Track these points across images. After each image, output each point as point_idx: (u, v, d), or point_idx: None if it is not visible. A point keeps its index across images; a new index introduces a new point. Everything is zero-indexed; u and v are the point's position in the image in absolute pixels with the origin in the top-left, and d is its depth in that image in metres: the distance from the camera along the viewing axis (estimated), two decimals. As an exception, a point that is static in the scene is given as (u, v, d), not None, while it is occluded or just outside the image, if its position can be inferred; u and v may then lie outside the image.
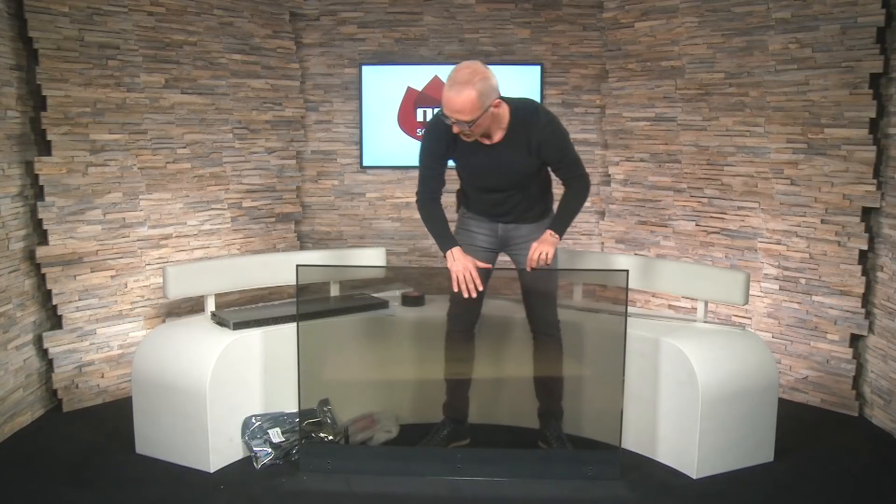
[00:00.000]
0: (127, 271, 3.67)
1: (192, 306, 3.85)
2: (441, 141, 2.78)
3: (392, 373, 3.35)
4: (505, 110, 2.71)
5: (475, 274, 2.73)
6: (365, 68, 4.47)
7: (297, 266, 2.90)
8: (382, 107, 4.49)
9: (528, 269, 2.77)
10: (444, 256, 2.79)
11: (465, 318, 3.04)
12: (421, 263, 4.55)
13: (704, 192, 4.03)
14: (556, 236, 2.80)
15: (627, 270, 2.89)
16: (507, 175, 2.84)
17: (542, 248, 2.74)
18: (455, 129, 2.65)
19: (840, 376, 3.56)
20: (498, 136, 2.75)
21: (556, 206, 3.00)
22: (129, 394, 3.21)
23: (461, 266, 2.73)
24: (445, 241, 2.81)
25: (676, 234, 4.16)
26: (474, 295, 2.74)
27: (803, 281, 3.66)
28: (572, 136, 4.50)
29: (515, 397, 3.24)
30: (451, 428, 3.10)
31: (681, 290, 3.37)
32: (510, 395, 3.27)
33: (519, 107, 2.75)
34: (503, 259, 3.10)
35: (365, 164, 4.57)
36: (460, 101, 2.55)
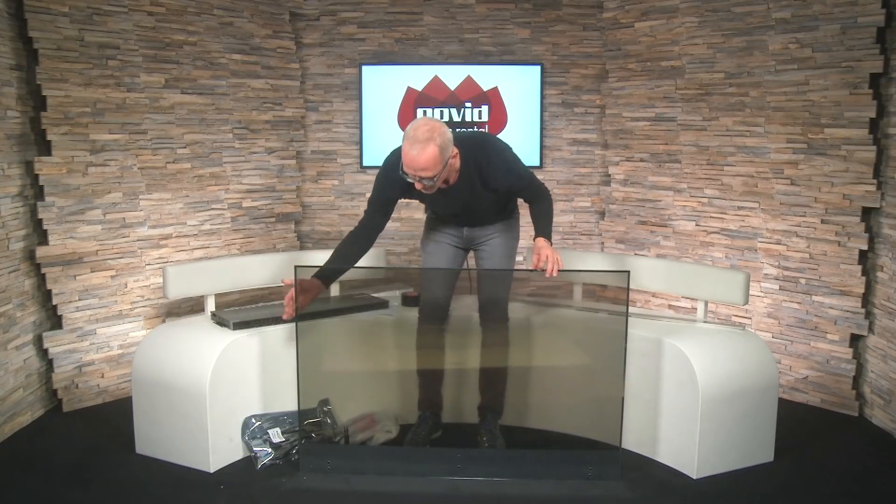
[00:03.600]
0: (127, 271, 3.67)
1: (192, 306, 3.85)
2: (395, 185, 2.83)
3: (392, 373, 3.36)
4: (456, 159, 2.77)
5: (287, 299, 2.84)
6: (365, 68, 4.47)
7: (296, 267, 2.90)
8: (382, 107, 4.49)
9: (548, 276, 2.75)
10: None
11: (436, 315, 3.10)
12: (421, 264, 4.55)
13: (704, 192, 4.03)
14: (549, 240, 2.86)
15: (629, 271, 2.90)
16: (466, 208, 2.94)
17: (551, 255, 2.74)
18: (418, 186, 2.69)
19: (840, 376, 3.56)
20: (453, 179, 2.82)
21: (517, 203, 3.13)
22: (129, 394, 3.21)
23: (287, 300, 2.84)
24: (319, 270, 2.88)
25: (676, 234, 4.16)
26: (285, 317, 2.87)
27: (803, 281, 3.66)
28: (572, 135, 4.56)
29: (513, 397, 3.24)
30: (431, 423, 3.15)
31: (681, 290, 3.37)
32: (507, 396, 3.27)
33: (468, 147, 2.80)
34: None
35: (365, 164, 4.57)
36: (423, 158, 2.60)
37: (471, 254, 3.21)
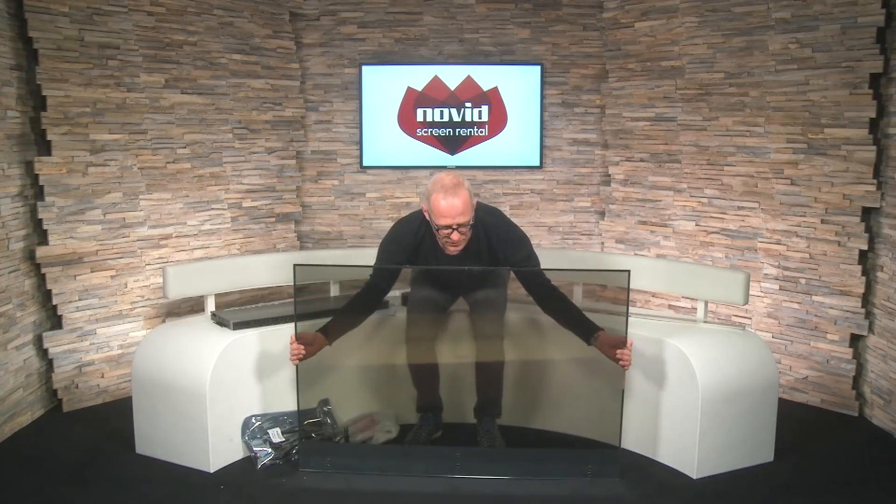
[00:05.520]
0: (127, 271, 3.67)
1: (192, 306, 3.85)
2: (401, 250, 2.88)
3: (392, 373, 3.35)
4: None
5: (294, 348, 2.78)
6: (365, 68, 4.47)
7: (295, 266, 2.90)
8: (382, 107, 4.49)
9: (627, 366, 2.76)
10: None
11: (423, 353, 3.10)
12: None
13: (704, 192, 4.03)
14: (599, 332, 2.78)
15: (629, 271, 2.90)
16: (467, 280, 2.96)
17: (623, 351, 2.71)
18: (454, 238, 2.72)
19: (840, 376, 3.56)
20: (461, 245, 2.82)
21: None
22: (129, 394, 3.20)
23: (292, 349, 2.79)
24: (323, 326, 2.86)
25: (676, 234, 4.16)
26: (294, 363, 2.82)
27: (803, 281, 3.66)
28: (572, 135, 4.56)
29: (512, 398, 3.24)
30: (432, 423, 3.16)
31: (681, 290, 3.38)
32: (506, 396, 3.27)
33: (481, 214, 2.85)
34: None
35: (365, 164, 4.57)
36: (461, 202, 2.69)
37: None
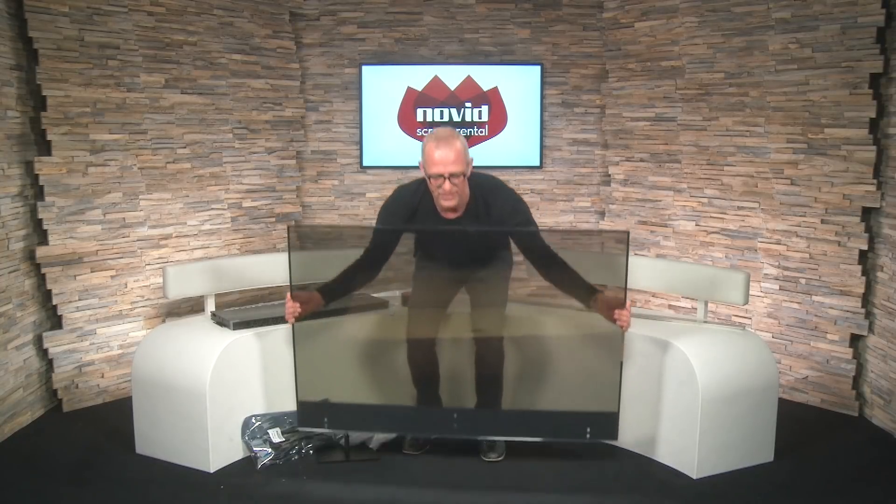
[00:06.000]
0: (127, 271, 3.67)
1: (192, 306, 3.85)
2: (400, 214, 2.89)
3: (392, 373, 3.35)
4: (466, 184, 2.82)
5: (290, 306, 2.82)
6: (365, 68, 4.47)
7: (289, 226, 2.93)
8: (382, 107, 4.49)
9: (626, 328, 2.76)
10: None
11: (422, 349, 3.07)
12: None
13: (704, 192, 4.03)
14: (598, 294, 2.79)
15: (628, 231, 2.87)
16: (467, 247, 2.91)
17: (622, 312, 2.71)
18: (446, 187, 2.73)
19: (840, 376, 3.56)
20: (460, 210, 2.84)
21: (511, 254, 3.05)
22: (129, 394, 3.20)
23: (288, 307, 2.83)
24: (321, 285, 2.90)
25: (676, 234, 4.16)
26: (290, 321, 2.85)
27: (803, 281, 3.66)
28: (572, 135, 4.56)
29: (512, 377, 3.18)
30: None
31: (681, 290, 3.37)
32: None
33: (479, 180, 2.87)
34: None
35: (365, 164, 4.57)
36: (453, 151, 2.71)
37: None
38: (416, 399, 3.18)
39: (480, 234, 2.87)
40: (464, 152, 2.74)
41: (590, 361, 3.11)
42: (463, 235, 2.87)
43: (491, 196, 2.87)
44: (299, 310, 2.82)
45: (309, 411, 2.96)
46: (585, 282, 2.81)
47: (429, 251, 3.06)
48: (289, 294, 2.84)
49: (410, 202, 2.90)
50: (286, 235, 2.89)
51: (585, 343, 3.16)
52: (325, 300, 2.90)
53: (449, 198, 2.75)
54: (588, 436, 2.85)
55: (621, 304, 2.72)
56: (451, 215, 2.84)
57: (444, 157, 2.70)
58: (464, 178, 2.75)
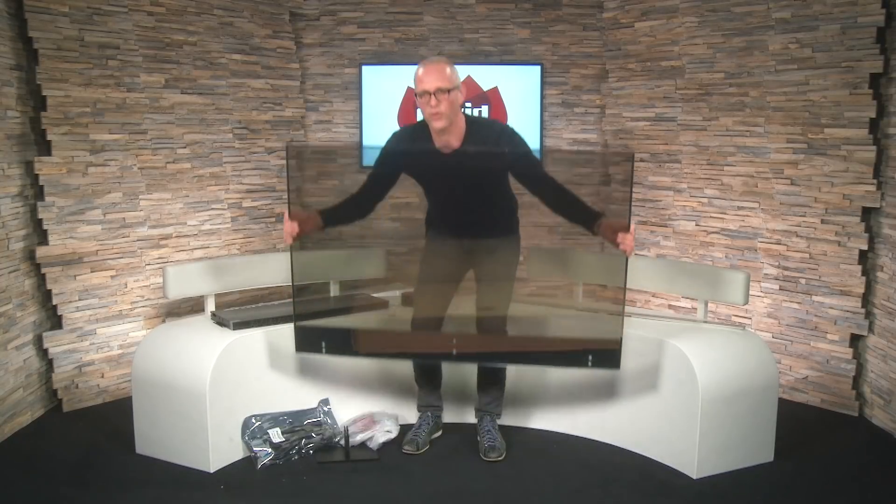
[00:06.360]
0: (127, 271, 3.67)
1: (192, 306, 3.85)
2: (397, 150, 2.91)
3: (392, 373, 3.35)
4: (461, 118, 2.83)
5: (288, 226, 2.83)
6: (365, 68, 4.47)
7: (287, 144, 2.94)
8: (382, 107, 4.49)
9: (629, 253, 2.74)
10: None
11: (429, 325, 3.07)
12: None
13: (704, 192, 4.03)
14: (601, 219, 2.78)
15: (633, 153, 2.87)
16: (469, 183, 2.89)
17: (626, 235, 2.70)
18: (432, 103, 2.73)
19: (840, 376, 3.56)
20: (456, 143, 2.83)
21: (518, 219, 3.06)
22: (129, 394, 3.20)
23: (286, 227, 2.84)
24: (323, 209, 2.96)
25: (676, 234, 4.17)
26: (288, 242, 2.86)
27: (803, 281, 3.66)
28: (573, 136, 4.55)
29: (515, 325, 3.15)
30: (431, 423, 3.16)
31: (681, 290, 3.37)
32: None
33: (477, 118, 2.91)
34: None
35: (365, 164, 4.57)
36: (437, 67, 2.75)
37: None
38: (417, 397, 3.18)
39: (479, 167, 2.86)
40: (450, 72, 2.77)
41: (593, 289, 3.05)
42: (460, 168, 2.85)
43: (487, 129, 2.89)
44: (297, 229, 2.82)
45: (306, 336, 2.94)
46: (589, 207, 2.82)
47: (429, 186, 3.04)
48: (286, 213, 2.84)
49: (410, 136, 2.92)
50: (284, 154, 2.89)
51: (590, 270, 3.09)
52: (323, 223, 2.92)
53: (438, 117, 2.76)
54: (590, 364, 2.80)
55: (625, 228, 2.69)
56: (448, 150, 2.83)
57: (429, 73, 2.75)
58: (449, 95, 2.74)
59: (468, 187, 2.90)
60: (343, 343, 2.97)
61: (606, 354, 2.82)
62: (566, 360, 2.88)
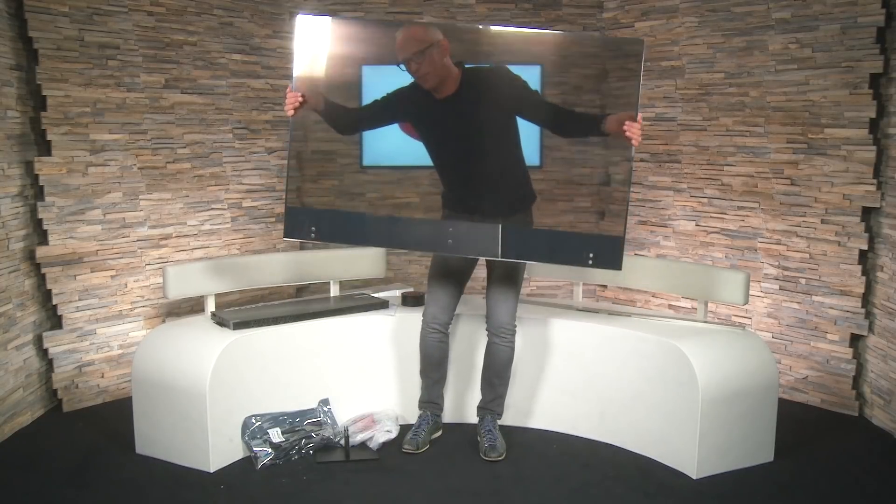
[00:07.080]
0: (127, 271, 3.67)
1: (192, 306, 3.85)
2: (399, 93, 2.93)
3: (392, 373, 3.36)
4: (454, 69, 2.85)
5: (291, 96, 2.90)
6: (365, 68, 4.46)
7: (297, 17, 2.99)
8: (382, 107, 4.48)
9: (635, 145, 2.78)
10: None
11: (440, 319, 3.08)
12: (421, 263, 4.55)
13: (704, 192, 4.03)
14: (607, 116, 2.82)
15: (643, 40, 2.84)
16: (469, 129, 2.89)
17: (632, 124, 2.73)
18: (413, 69, 2.78)
19: (840, 376, 3.56)
20: (451, 88, 2.85)
21: (533, 190, 3.13)
22: (129, 394, 3.20)
23: (289, 97, 2.90)
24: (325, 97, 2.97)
25: (676, 234, 4.17)
26: (290, 113, 2.89)
27: (803, 281, 3.66)
28: (572, 136, 4.54)
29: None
30: (431, 423, 3.15)
31: (681, 290, 3.38)
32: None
33: (473, 67, 2.92)
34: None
35: (365, 163, 4.56)
36: (406, 35, 2.79)
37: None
38: (420, 393, 3.18)
39: (475, 111, 2.88)
40: (422, 32, 2.80)
41: (596, 183, 3.04)
42: (455, 113, 2.87)
43: (484, 72, 2.93)
44: (300, 99, 2.87)
45: (296, 220, 2.93)
46: (593, 114, 2.89)
47: (427, 135, 3.05)
48: (289, 86, 2.88)
49: (407, 88, 2.92)
50: (293, 26, 3.00)
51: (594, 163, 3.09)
52: (323, 106, 2.98)
53: (424, 79, 2.80)
54: (590, 262, 2.76)
55: (632, 118, 2.72)
56: (441, 95, 2.85)
57: (400, 44, 2.79)
58: (425, 55, 2.76)
59: (464, 137, 2.91)
60: (334, 228, 2.96)
61: (607, 253, 2.75)
62: (566, 256, 2.82)
